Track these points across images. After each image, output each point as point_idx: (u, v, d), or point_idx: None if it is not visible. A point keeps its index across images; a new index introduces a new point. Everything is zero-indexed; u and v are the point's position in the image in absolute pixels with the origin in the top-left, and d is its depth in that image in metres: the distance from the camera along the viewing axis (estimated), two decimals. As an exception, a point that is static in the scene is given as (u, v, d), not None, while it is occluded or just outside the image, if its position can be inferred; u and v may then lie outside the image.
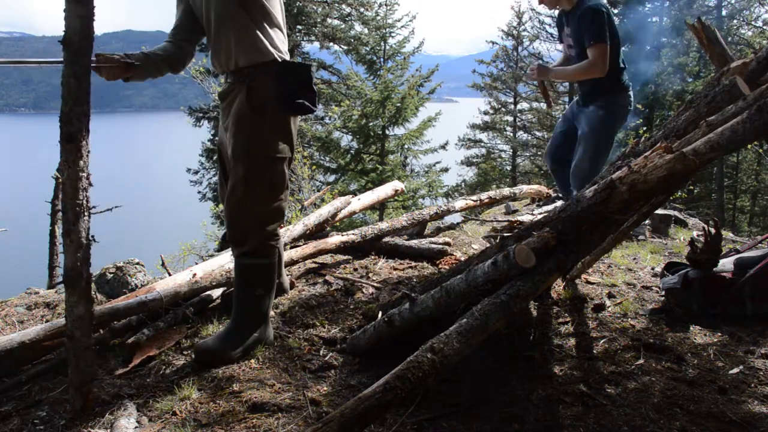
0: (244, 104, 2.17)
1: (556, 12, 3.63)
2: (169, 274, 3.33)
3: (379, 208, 12.12)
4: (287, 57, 2.27)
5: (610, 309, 2.81)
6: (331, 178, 14.80)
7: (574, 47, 3.39)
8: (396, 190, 4.86)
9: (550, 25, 18.15)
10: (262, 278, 2.30)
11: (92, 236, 1.83)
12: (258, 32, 2.15)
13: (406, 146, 14.59)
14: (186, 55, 2.37)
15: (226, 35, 2.18)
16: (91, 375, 1.89)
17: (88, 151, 1.75)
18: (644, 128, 12.17)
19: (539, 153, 19.31)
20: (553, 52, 18.49)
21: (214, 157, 14.80)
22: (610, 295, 2.98)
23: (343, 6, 16.37)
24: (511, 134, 20.31)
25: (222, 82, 2.41)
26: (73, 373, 1.86)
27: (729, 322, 2.62)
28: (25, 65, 2.23)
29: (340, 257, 3.55)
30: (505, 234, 3.85)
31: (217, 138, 2.97)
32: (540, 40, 18.66)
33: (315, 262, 3.41)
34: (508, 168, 20.21)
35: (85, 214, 1.78)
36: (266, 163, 2.21)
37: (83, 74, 1.68)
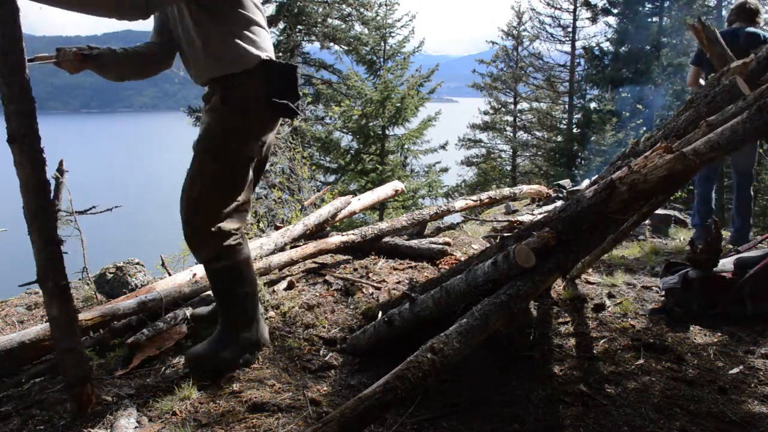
0: (217, 99, 2.07)
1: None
2: (169, 274, 3.33)
3: (379, 208, 12.12)
4: (271, 53, 2.14)
5: (610, 309, 2.81)
6: (331, 178, 14.80)
7: None
8: (396, 190, 4.87)
9: (550, 25, 18.17)
10: (236, 278, 2.18)
11: (60, 238, 1.79)
12: (235, 41, 2.03)
13: (406, 146, 14.59)
14: (158, 59, 2.25)
15: (199, 48, 2.06)
16: (82, 376, 1.86)
17: (38, 150, 1.69)
18: (644, 128, 12.17)
19: (539, 153, 19.30)
20: (553, 52, 18.51)
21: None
22: (610, 295, 2.98)
23: (344, 6, 16.37)
24: (511, 134, 20.28)
25: None
26: (62, 374, 1.85)
27: (729, 322, 2.62)
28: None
29: (340, 257, 3.55)
30: (505, 234, 3.85)
31: None
32: (540, 40, 18.66)
33: (315, 262, 3.41)
34: (508, 168, 20.19)
35: (44, 215, 1.73)
36: (227, 159, 2.09)
37: (10, 73, 1.65)
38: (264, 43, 2.12)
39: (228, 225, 2.12)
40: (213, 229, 2.09)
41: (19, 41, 1.63)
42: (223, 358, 2.14)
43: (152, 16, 2.21)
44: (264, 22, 2.16)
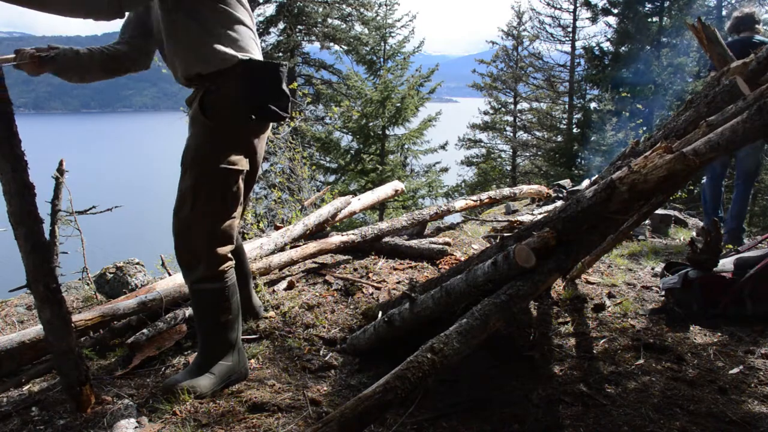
0: (197, 108, 1.95)
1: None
2: (169, 274, 3.34)
3: (379, 208, 12.12)
4: (255, 53, 2.01)
5: (610, 309, 2.81)
6: (331, 178, 14.80)
7: None
8: (396, 190, 4.87)
9: (550, 25, 18.15)
10: (221, 303, 2.04)
11: (48, 241, 1.78)
12: (214, 40, 1.90)
13: (406, 146, 14.59)
14: (129, 59, 2.14)
15: (180, 47, 1.95)
16: (79, 378, 1.85)
17: (17, 153, 1.66)
18: (644, 128, 12.18)
19: (539, 153, 19.29)
20: (553, 52, 18.50)
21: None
22: (610, 295, 2.98)
23: (344, 6, 16.39)
24: (511, 134, 20.28)
25: None
26: (60, 376, 1.84)
27: (729, 322, 2.63)
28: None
29: (340, 257, 3.55)
30: (505, 234, 3.86)
31: None
32: (540, 40, 18.64)
33: (315, 262, 3.41)
34: (508, 168, 20.18)
35: (29, 219, 1.70)
36: (218, 175, 1.96)
37: None
38: (245, 42, 1.99)
39: (222, 248, 2.02)
40: (207, 250, 1.99)
41: None
42: (202, 389, 1.98)
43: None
44: (249, 21, 2.04)
